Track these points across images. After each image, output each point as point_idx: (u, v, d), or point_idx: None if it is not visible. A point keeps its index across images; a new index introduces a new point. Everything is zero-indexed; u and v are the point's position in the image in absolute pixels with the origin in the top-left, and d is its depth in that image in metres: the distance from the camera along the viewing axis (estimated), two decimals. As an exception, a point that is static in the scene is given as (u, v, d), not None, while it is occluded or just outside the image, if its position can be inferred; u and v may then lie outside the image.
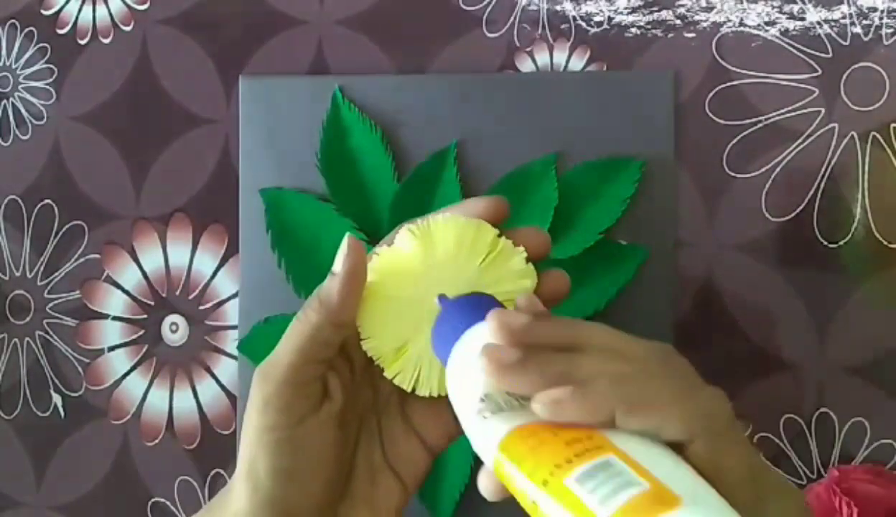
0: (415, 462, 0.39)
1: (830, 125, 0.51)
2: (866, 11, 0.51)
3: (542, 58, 0.54)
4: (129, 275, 0.58)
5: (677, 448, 0.28)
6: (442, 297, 0.35)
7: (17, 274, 0.60)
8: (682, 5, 0.53)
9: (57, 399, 0.59)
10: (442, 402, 0.36)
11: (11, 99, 0.60)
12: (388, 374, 0.36)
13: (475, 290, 0.35)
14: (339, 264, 0.35)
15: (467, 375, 0.32)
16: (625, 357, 0.31)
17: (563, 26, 0.54)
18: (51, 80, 0.60)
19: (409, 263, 0.35)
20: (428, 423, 0.39)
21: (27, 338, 0.59)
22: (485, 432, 0.30)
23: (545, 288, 0.37)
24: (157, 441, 0.58)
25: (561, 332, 0.32)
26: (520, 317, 0.32)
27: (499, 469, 0.29)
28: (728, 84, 0.52)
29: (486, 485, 0.32)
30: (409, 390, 0.36)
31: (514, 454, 0.28)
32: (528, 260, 0.36)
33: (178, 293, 0.58)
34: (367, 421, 0.39)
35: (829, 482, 0.48)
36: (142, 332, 0.58)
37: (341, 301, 0.35)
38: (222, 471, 0.57)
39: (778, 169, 0.51)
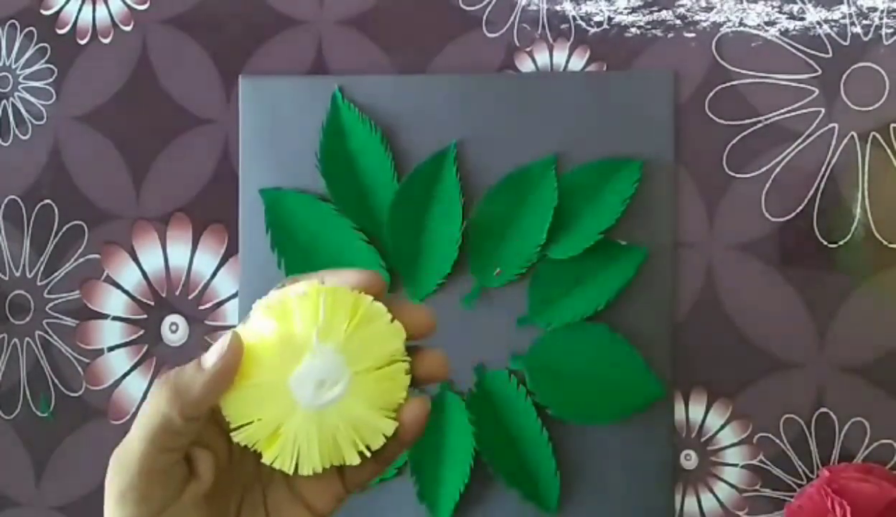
0: None
1: (830, 125, 0.51)
2: (866, 11, 0.51)
3: (542, 58, 0.54)
4: (128, 275, 0.58)
5: None
6: None
7: (17, 274, 0.60)
8: (682, 5, 0.53)
9: (55, 399, 0.59)
10: (328, 471, 0.34)
11: (11, 99, 0.60)
12: (265, 460, 0.34)
13: (344, 360, 0.33)
14: (211, 359, 0.33)
15: None
16: None
17: (562, 26, 0.54)
18: (51, 80, 0.60)
19: (269, 344, 0.33)
20: (314, 491, 0.36)
21: (27, 338, 0.59)
22: None
23: (421, 368, 0.34)
24: (156, 441, 0.58)
25: None
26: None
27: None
28: (728, 84, 0.52)
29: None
30: (291, 472, 0.34)
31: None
32: (392, 319, 0.34)
33: (177, 293, 0.58)
34: (250, 491, 0.37)
35: (820, 483, 0.48)
36: (142, 332, 0.58)
37: (201, 398, 0.33)
38: (222, 471, 0.57)
39: (778, 169, 0.51)
